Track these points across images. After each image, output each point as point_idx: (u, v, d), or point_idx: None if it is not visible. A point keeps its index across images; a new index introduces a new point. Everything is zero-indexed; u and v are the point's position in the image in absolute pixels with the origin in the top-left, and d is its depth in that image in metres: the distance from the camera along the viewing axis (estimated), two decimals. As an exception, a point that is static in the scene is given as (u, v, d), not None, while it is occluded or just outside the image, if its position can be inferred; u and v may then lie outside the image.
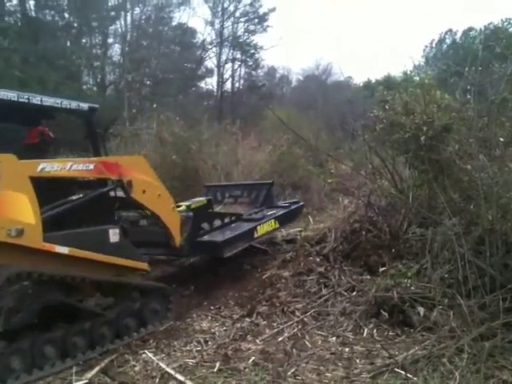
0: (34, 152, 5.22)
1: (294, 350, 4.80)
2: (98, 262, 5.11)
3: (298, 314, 5.71)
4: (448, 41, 40.52)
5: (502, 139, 5.31)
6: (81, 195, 5.21)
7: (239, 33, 38.38)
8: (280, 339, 5.08)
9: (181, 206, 6.96)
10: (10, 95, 4.83)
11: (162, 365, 4.50)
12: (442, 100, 6.43)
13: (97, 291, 5.24)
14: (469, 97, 5.78)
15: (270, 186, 8.93)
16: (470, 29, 35.11)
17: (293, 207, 8.75)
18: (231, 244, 6.80)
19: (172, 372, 4.35)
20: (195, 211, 6.93)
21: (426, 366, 4.12)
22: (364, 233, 6.97)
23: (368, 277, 6.35)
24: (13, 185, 4.52)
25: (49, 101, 5.25)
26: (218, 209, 8.24)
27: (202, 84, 38.57)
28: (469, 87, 5.94)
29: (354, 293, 6.14)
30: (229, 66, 39.51)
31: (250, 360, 4.61)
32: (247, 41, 38.37)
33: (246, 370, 4.43)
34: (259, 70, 41.42)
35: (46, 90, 25.86)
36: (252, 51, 38.83)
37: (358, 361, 4.60)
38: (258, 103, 34.94)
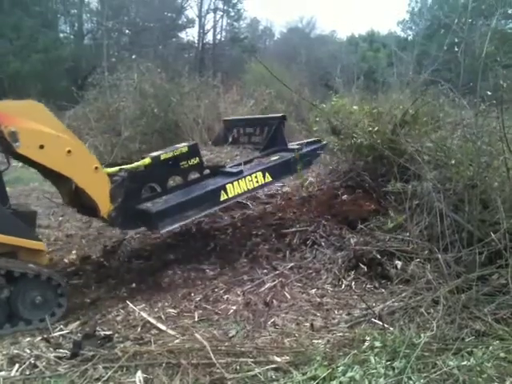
0: None
1: (274, 301, 4.88)
2: None
3: (278, 266, 5.78)
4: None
5: (489, 93, 5.31)
6: None
7: (221, -19, 37.28)
8: (261, 290, 5.16)
9: (145, 157, 5.36)
10: None
11: (144, 314, 4.53)
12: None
13: None
14: (456, 49, 5.74)
15: (280, 120, 6.57)
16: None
17: (306, 150, 6.45)
18: (172, 214, 5.12)
19: (153, 321, 4.39)
20: (130, 172, 5.17)
21: (402, 316, 4.23)
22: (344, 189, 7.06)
23: (348, 231, 6.44)
24: None
25: None
26: (228, 149, 6.81)
27: (183, 35, 37.64)
28: (456, 40, 5.87)
29: (334, 246, 6.25)
30: (210, 16, 38.57)
31: (231, 310, 4.68)
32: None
33: (227, 319, 4.50)
34: (241, 22, 40.53)
35: (22, 38, 25.01)
36: (234, 1, 37.82)
37: (336, 312, 4.71)
38: (240, 56, 34.30)
